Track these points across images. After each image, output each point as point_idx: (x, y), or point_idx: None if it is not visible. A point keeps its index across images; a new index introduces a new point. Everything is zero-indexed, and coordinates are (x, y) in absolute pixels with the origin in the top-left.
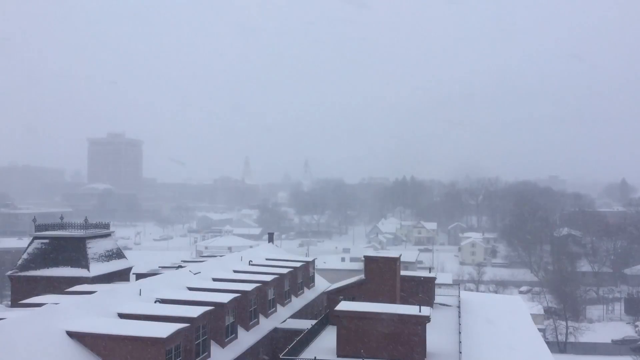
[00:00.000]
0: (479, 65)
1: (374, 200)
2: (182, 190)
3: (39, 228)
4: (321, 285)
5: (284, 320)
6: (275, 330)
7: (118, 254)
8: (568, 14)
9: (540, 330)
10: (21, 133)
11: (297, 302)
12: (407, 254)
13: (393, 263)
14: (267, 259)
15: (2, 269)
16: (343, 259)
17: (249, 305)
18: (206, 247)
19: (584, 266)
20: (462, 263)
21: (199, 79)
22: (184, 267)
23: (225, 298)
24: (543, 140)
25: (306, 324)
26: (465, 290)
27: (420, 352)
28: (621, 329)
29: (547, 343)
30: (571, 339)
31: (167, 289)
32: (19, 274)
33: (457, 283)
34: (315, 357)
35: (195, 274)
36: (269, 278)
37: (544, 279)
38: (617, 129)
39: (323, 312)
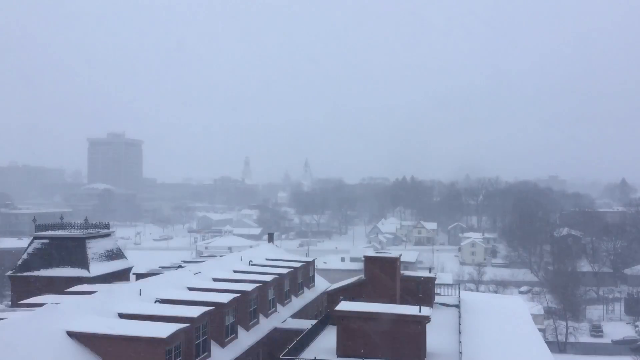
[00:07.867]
0: (479, 65)
1: (374, 200)
2: (182, 190)
3: (39, 228)
4: (321, 285)
5: (284, 320)
6: (275, 330)
7: (118, 254)
8: (568, 14)
9: (540, 330)
10: (21, 133)
11: (297, 302)
12: (407, 254)
13: (393, 263)
14: (267, 259)
15: (2, 269)
16: (343, 259)
17: (249, 305)
18: (206, 247)
19: (584, 266)
20: (462, 263)
21: (199, 79)
22: (184, 267)
23: (225, 298)
24: (543, 140)
25: (306, 324)
26: (465, 290)
27: (420, 352)
28: (621, 329)
29: (547, 343)
30: (571, 339)
31: (167, 289)
32: (19, 274)
33: (457, 283)
34: (315, 357)
35: (195, 274)
36: (269, 278)
37: (544, 279)
38: (617, 129)
39: (323, 312)
